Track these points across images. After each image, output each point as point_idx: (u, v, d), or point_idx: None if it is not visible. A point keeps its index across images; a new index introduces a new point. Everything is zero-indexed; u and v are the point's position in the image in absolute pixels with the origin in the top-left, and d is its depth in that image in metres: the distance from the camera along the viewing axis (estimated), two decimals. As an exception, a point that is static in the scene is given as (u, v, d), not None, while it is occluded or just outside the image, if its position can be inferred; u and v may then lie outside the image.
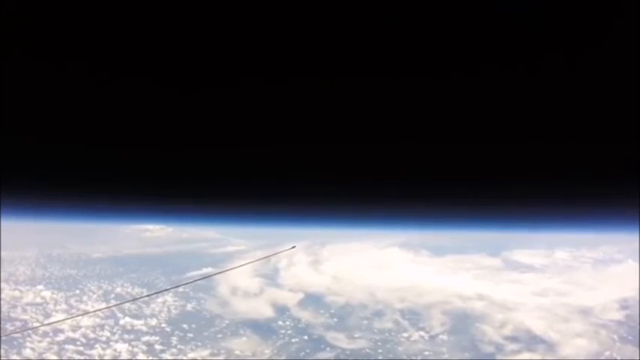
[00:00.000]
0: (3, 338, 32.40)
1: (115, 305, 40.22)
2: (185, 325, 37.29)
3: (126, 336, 36.23)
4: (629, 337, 33.26)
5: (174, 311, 39.07)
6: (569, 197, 4.08)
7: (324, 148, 3.54)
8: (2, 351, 30.63)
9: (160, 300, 40.46)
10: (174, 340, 36.12)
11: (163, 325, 37.57)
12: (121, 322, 37.44)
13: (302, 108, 3.07)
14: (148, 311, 38.96)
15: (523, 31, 2.37)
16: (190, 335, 36.51)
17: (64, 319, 37.60)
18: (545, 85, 2.68)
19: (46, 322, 36.23)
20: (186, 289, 41.84)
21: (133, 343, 35.70)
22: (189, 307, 39.89)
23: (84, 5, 2.36)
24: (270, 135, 3.40)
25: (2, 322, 34.13)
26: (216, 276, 43.86)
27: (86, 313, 39.68)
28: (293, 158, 3.74)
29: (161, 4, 2.35)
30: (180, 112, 3.16)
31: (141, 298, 41.85)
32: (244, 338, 36.28)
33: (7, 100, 2.90)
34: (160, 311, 39.21)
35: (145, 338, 36.17)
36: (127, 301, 40.61)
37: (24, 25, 2.44)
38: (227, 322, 37.83)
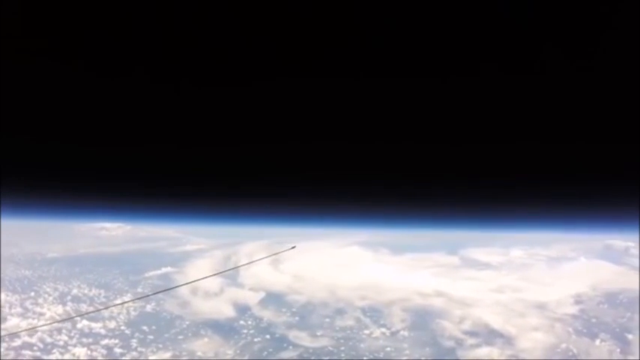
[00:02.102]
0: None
1: (120, 304, 39.34)
2: (145, 327, 36.56)
3: (84, 340, 35.29)
4: (584, 330, 34.54)
5: (133, 313, 38.28)
6: (570, 197, 4.10)
7: (283, 148, 3.58)
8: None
9: (117, 301, 39.53)
10: (134, 342, 35.42)
11: (122, 327, 36.73)
12: (79, 325, 36.41)
13: (268, 108, 3.10)
14: (106, 313, 37.81)
15: (523, 32, 2.39)
16: (151, 337, 35.81)
17: (64, 319, 37.05)
18: (545, 85, 2.69)
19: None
20: (145, 290, 41.15)
21: (92, 347, 34.84)
22: (148, 308, 39.08)
23: (87, 5, 2.37)
24: (237, 134, 3.42)
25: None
26: (175, 276, 42.55)
27: (91, 311, 38.82)
28: (257, 158, 3.76)
29: (162, 2, 2.37)
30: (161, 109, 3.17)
31: (144, 296, 41.19)
32: (206, 339, 35.88)
33: (7, 99, 2.92)
34: (119, 313, 38.22)
35: (104, 342, 35.32)
36: (128, 301, 39.71)
37: (26, 25, 2.45)
38: (188, 322, 37.28)
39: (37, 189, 4.71)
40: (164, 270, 43.32)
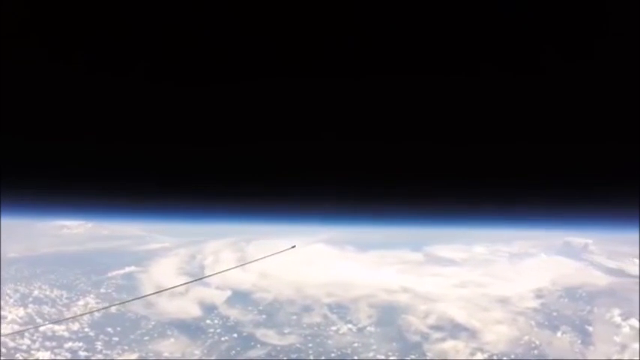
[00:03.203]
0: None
1: (122, 303, 38.47)
2: (110, 329, 35.92)
3: (47, 343, 34.80)
4: (546, 323, 35.64)
5: (97, 314, 37.40)
6: (570, 197, 4.07)
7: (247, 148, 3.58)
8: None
9: (81, 303, 38.87)
10: (99, 345, 34.94)
11: (87, 329, 36.04)
12: (41, 328, 35.70)
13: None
14: (69, 315, 37.24)
15: (524, 32, 2.40)
16: (116, 339, 35.31)
17: (65, 319, 36.78)
18: (544, 85, 2.69)
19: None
20: (109, 291, 40.46)
21: (56, 350, 34.46)
22: (112, 309, 38.22)
23: (84, 2, 2.38)
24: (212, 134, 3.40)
25: None
26: (140, 275, 42.08)
27: (94, 310, 38.50)
28: (230, 157, 3.72)
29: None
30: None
31: (147, 295, 40.70)
32: (172, 339, 35.54)
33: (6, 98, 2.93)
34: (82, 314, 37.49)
35: (68, 345, 34.82)
36: (131, 300, 39.36)
37: (24, 23, 2.45)
38: (153, 323, 36.79)
39: (34, 188, 4.58)
40: (128, 269, 42.51)
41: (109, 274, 41.77)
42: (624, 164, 3.35)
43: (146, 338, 35.53)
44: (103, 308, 37.63)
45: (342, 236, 41.97)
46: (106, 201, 5.20)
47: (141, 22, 2.49)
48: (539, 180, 3.73)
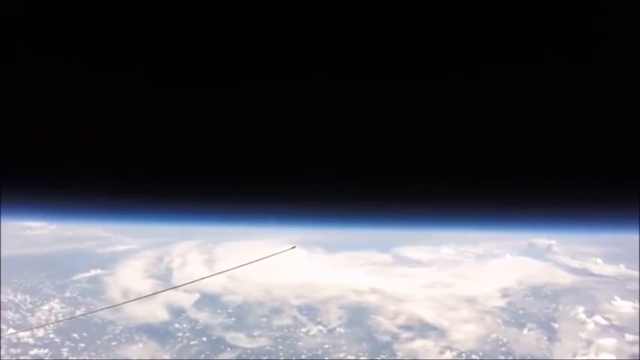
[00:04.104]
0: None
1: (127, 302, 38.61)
2: (75, 335, 35.16)
3: (12, 350, 33.95)
4: (512, 321, 36.30)
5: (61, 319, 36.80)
6: (570, 197, 4.05)
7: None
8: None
9: (45, 307, 38.06)
10: (65, 351, 34.37)
11: (52, 335, 35.25)
12: (5, 334, 35.76)
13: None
14: (33, 321, 36.40)
15: (524, 31, 2.39)
16: (82, 345, 34.64)
17: (65, 319, 36.73)
18: (544, 85, 2.67)
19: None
20: (74, 295, 39.63)
21: (21, 357, 33.76)
22: (78, 314, 38.15)
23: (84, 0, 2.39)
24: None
25: None
26: (106, 279, 41.35)
27: (100, 309, 38.70)
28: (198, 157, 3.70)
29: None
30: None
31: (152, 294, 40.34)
32: (140, 344, 35.08)
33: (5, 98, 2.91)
34: (47, 320, 36.98)
35: (34, 352, 34.09)
36: (136, 299, 40.02)
37: (24, 21, 2.45)
38: (120, 328, 36.17)
39: (34, 188, 4.54)
40: (93, 272, 41.67)
41: (74, 278, 40.88)
42: (625, 164, 3.35)
43: (113, 344, 34.89)
44: (104, 308, 38.04)
45: (310, 238, 42.08)
46: (73, 201, 5.09)
47: (143, 20, 2.46)
48: (538, 180, 3.71)
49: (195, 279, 43.74)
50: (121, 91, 3.00)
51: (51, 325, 36.01)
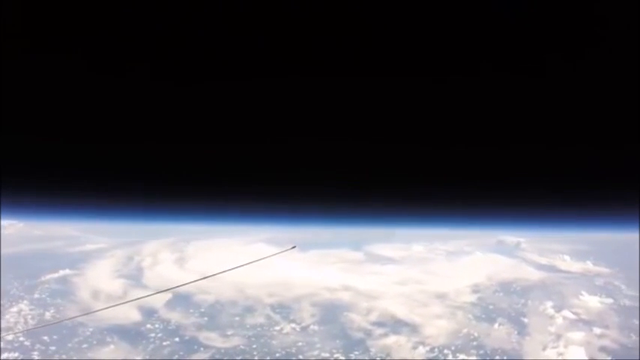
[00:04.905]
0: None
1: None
2: (46, 337, 34.10)
3: None
4: (483, 316, 36.90)
5: (31, 322, 35.64)
6: (571, 198, 4.08)
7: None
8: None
9: (14, 310, 36.77)
10: (35, 355, 33.30)
11: (21, 338, 33.99)
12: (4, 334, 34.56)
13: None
14: (4, 324, 35.04)
15: (523, 33, 2.40)
16: (53, 348, 33.66)
17: (66, 319, 36.25)
18: (544, 86, 2.71)
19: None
20: (43, 296, 38.54)
21: None
22: (47, 315, 36.46)
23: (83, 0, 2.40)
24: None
25: None
26: (74, 279, 40.24)
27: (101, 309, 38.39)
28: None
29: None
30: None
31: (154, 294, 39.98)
32: (112, 346, 34.23)
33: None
34: (16, 322, 35.60)
35: (4, 356, 32.48)
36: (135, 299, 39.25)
37: (24, 21, 2.46)
38: (91, 329, 35.15)
39: (34, 189, 4.49)
40: (62, 272, 40.60)
41: (43, 278, 39.72)
42: (625, 165, 3.35)
43: (85, 346, 33.96)
44: (104, 308, 37.67)
45: (282, 236, 40.27)
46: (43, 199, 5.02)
47: (143, 21, 2.44)
48: (537, 181, 3.72)
49: (196, 279, 43.25)
50: (111, 90, 2.98)
51: (20, 328, 35.26)
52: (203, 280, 39.28)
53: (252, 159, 3.69)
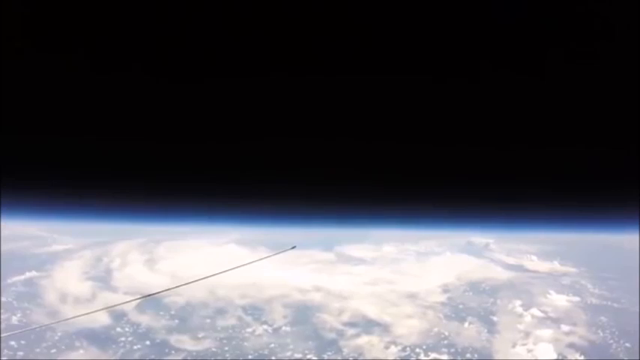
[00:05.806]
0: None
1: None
2: (13, 343, 32.94)
3: None
4: (453, 315, 37.27)
5: (-2, 327, 34.44)
6: (569, 198, 4.07)
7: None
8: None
9: None
10: None
11: None
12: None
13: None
14: None
15: (523, 33, 2.39)
16: (21, 354, 32.59)
17: (66, 319, 36.32)
18: (545, 87, 2.70)
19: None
20: (9, 299, 37.39)
21: None
22: (14, 320, 35.41)
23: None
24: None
25: None
26: (41, 282, 39.26)
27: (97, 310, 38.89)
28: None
29: None
30: None
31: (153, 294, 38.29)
32: (81, 351, 33.44)
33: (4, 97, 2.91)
34: None
35: None
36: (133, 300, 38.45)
37: (24, 21, 2.44)
38: (60, 334, 34.22)
39: (33, 188, 4.48)
40: (28, 274, 39.55)
41: (9, 281, 38.52)
42: (624, 165, 3.35)
43: (53, 351, 33.12)
44: (103, 309, 37.37)
45: (253, 237, 40.86)
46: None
47: (144, 20, 2.41)
48: (536, 181, 3.73)
49: (196, 279, 42.57)
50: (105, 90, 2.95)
51: (-15, 334, 34.55)
52: (173, 283, 39.12)
53: (226, 158, 3.67)
